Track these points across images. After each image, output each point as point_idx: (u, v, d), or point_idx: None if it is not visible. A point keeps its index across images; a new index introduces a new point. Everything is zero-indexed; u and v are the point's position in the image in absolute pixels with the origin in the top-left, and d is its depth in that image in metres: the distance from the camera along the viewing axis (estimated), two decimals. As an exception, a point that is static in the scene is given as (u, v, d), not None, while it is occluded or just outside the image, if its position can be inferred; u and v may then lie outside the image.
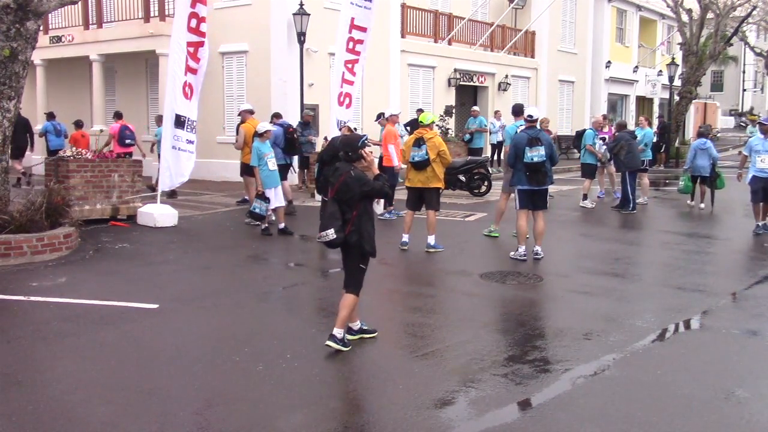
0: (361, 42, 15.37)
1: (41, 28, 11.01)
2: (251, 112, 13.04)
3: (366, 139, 6.06)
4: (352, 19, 15.20)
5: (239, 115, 13.22)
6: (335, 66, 15.61)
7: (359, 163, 5.92)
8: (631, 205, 14.33)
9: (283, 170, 12.74)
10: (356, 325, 6.22)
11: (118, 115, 16.73)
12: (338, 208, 5.83)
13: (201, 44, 12.56)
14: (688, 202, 15.55)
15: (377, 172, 5.95)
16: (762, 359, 6.02)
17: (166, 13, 18.57)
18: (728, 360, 5.93)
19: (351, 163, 5.93)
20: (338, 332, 5.86)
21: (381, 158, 12.76)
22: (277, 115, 14.23)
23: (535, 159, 9.44)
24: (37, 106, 21.64)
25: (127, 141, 15.75)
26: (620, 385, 5.32)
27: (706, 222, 13.78)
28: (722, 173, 15.05)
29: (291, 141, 13.01)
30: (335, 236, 5.73)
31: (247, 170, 12.34)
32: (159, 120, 15.92)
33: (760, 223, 11.77)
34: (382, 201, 6.35)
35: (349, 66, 15.56)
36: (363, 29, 15.28)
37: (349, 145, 5.97)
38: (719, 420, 4.72)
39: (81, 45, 20.68)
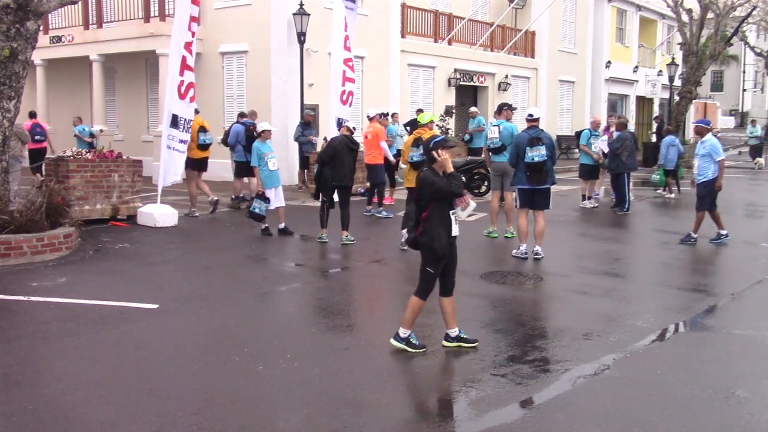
0: (348, 39, 15.83)
1: (41, 28, 11.01)
2: (197, 111, 13.85)
3: (440, 140, 5.92)
4: (345, 17, 15.50)
5: None
6: (334, 65, 15.79)
7: (437, 165, 5.83)
8: (627, 206, 14.53)
9: (247, 166, 13.55)
10: (454, 331, 6.04)
11: (32, 115, 17.95)
12: (414, 209, 5.90)
13: (192, 43, 12.62)
14: (661, 191, 17.64)
15: (450, 170, 5.79)
16: (762, 359, 6.01)
17: (166, 13, 18.56)
18: (728, 360, 5.93)
19: (429, 164, 5.92)
20: (402, 331, 5.91)
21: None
22: (242, 114, 15.05)
23: (536, 159, 9.48)
24: (37, 106, 21.63)
25: (37, 137, 16.75)
26: (620, 385, 5.32)
27: (706, 222, 13.77)
28: (681, 165, 17.68)
29: (251, 139, 13.53)
30: (407, 235, 5.91)
31: (191, 165, 13.29)
32: (78, 120, 18.56)
33: (693, 234, 11.20)
34: (469, 207, 6.19)
35: (350, 64, 15.77)
36: (347, 27, 15.75)
37: (424, 146, 6.03)
38: (719, 420, 4.72)
39: (81, 45, 20.67)
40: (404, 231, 5.95)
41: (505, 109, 11.42)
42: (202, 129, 13.50)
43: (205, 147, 13.55)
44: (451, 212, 5.86)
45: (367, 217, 13.37)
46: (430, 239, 5.75)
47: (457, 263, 6.07)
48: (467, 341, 6.02)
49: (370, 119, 13.92)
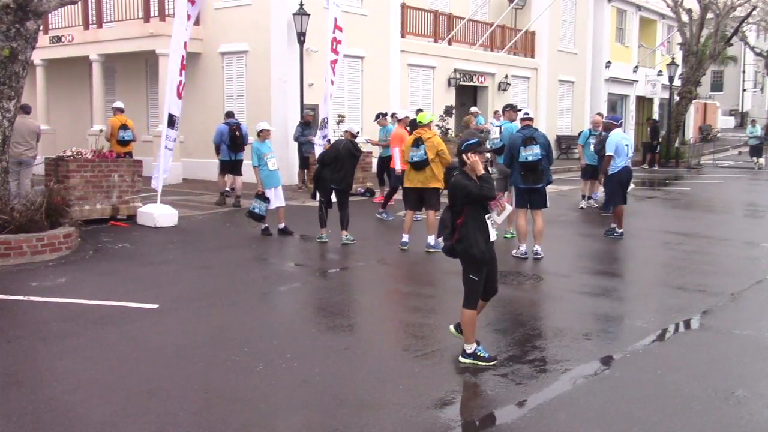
0: (340, 42, 16.02)
1: (41, 28, 11.01)
2: (122, 110, 15.32)
3: (474, 143, 5.71)
4: (335, 19, 15.65)
5: (112, 110, 15.48)
6: (326, 66, 16.19)
7: (467, 168, 5.67)
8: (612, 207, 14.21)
9: (231, 165, 14.64)
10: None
11: None
12: (450, 216, 5.72)
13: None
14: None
15: (481, 173, 5.61)
16: (762, 359, 6.01)
17: (166, 13, 18.55)
18: (728, 360, 5.93)
19: (461, 168, 5.76)
20: (467, 347, 5.70)
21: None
22: (228, 114, 15.58)
23: (530, 158, 9.51)
24: (37, 106, 21.61)
25: None
26: (620, 385, 5.32)
27: (706, 222, 13.79)
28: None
29: (234, 139, 14.44)
30: (443, 243, 5.74)
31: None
32: None
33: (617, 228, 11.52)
34: (506, 210, 6.09)
35: (333, 66, 16.06)
36: (341, 29, 15.90)
37: (457, 150, 5.86)
38: (719, 420, 4.72)
39: (81, 45, 20.66)
40: (440, 239, 5.81)
41: (507, 110, 11.48)
42: (124, 126, 14.82)
43: (125, 143, 14.79)
44: (486, 216, 5.69)
45: (366, 217, 13.35)
46: (467, 246, 5.59)
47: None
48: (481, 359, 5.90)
49: (399, 121, 13.38)
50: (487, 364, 5.61)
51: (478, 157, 5.63)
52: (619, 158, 11.32)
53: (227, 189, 15.18)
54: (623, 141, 11.54)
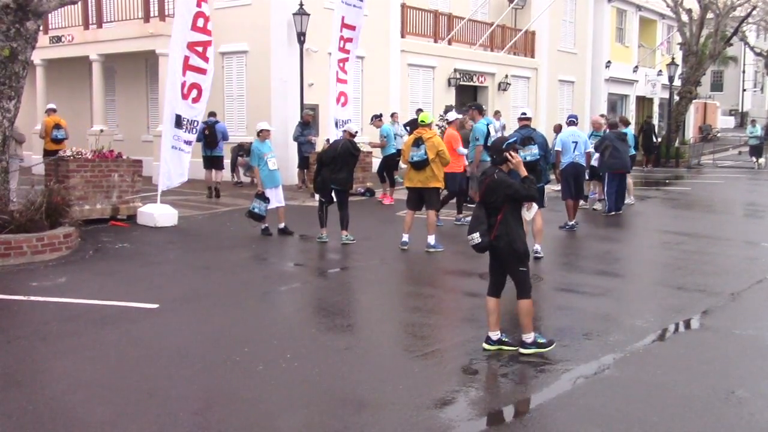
0: (350, 40, 15.73)
1: (41, 28, 11.01)
2: (54, 110, 16.14)
3: (513, 141, 6.01)
4: (342, 17, 15.46)
5: (46, 111, 16.19)
6: (332, 65, 15.81)
7: (505, 166, 5.84)
8: (608, 207, 13.94)
9: (209, 161, 15.86)
10: (495, 334, 5.96)
11: None
12: (484, 212, 5.81)
13: (209, 43, 12.64)
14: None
15: (524, 173, 5.80)
16: (762, 359, 6.01)
17: (166, 13, 18.54)
18: (728, 360, 5.93)
19: (496, 166, 5.88)
20: (527, 337, 5.79)
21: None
22: (210, 114, 16.32)
23: (528, 158, 9.49)
24: (37, 106, 21.62)
25: None
26: (620, 385, 5.32)
27: (706, 222, 13.79)
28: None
29: (204, 137, 15.59)
30: (480, 240, 5.77)
31: (48, 156, 14.16)
32: None
33: (570, 222, 12.09)
34: (533, 208, 6.21)
35: (341, 65, 15.75)
36: (352, 28, 15.69)
37: (494, 148, 6.04)
38: (719, 420, 4.72)
39: (81, 45, 20.65)
40: (475, 235, 5.78)
41: (472, 110, 12.31)
42: (57, 126, 15.55)
43: (58, 141, 15.34)
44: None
45: (366, 217, 13.35)
46: (510, 242, 5.74)
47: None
48: (508, 344, 5.94)
49: (450, 123, 12.98)
50: (549, 349, 5.81)
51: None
52: (565, 155, 11.90)
53: (210, 185, 16.10)
54: (570, 138, 12.04)
